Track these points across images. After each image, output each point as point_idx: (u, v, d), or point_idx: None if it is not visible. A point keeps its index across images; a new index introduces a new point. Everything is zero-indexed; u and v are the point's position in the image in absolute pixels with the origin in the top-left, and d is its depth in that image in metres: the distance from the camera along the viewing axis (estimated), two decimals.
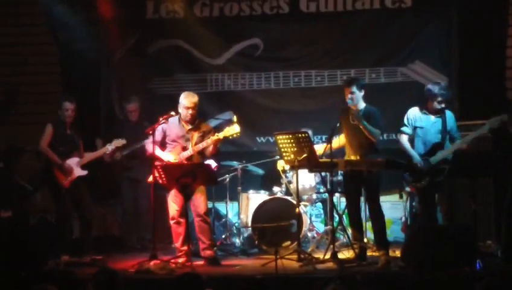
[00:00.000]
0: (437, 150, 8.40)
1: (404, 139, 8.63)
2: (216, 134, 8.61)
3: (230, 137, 8.60)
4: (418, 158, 8.41)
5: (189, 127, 8.76)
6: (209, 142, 8.59)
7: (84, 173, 9.31)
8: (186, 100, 8.69)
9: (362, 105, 8.51)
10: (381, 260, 8.26)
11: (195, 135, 8.72)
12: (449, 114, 8.55)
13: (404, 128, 8.63)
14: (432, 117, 8.52)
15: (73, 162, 9.25)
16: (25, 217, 9.90)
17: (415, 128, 8.57)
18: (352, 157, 8.41)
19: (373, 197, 8.47)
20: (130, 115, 10.37)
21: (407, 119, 8.63)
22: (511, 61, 10.31)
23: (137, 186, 10.02)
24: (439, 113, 8.49)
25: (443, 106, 8.45)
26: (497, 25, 10.25)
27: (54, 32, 11.03)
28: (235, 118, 8.87)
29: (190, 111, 8.67)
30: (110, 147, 9.45)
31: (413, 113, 8.62)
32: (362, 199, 8.70)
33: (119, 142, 9.49)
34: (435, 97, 8.41)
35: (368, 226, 9.25)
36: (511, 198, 8.09)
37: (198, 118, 8.86)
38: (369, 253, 8.73)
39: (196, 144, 8.64)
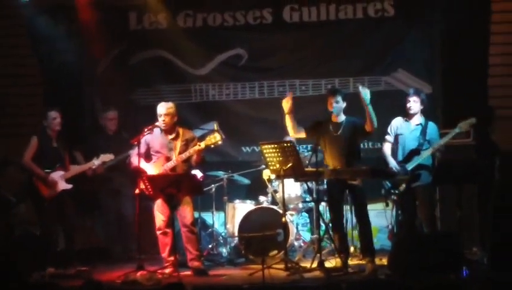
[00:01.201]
0: (414, 156, 8.52)
1: (386, 146, 8.83)
2: (198, 143, 8.60)
3: (212, 145, 8.58)
4: (394, 163, 8.59)
5: (171, 136, 8.75)
6: (191, 152, 8.58)
7: (69, 187, 9.26)
8: (159, 107, 8.72)
9: (343, 117, 8.57)
10: (367, 268, 8.30)
11: (178, 144, 8.70)
12: (431, 125, 8.69)
13: (387, 137, 8.85)
14: (412, 125, 8.71)
15: (57, 175, 9.19)
16: (9, 229, 9.83)
17: (396, 136, 8.67)
18: (338, 167, 8.44)
19: (360, 205, 8.50)
20: (109, 124, 10.32)
21: (390, 127, 8.84)
22: (493, 69, 10.37)
23: (119, 197, 9.98)
24: (420, 121, 8.63)
25: (416, 108, 8.61)
26: (480, 33, 10.30)
27: (35, 44, 10.98)
28: (216, 127, 8.86)
29: (163, 118, 8.66)
30: (96, 162, 9.41)
31: (396, 122, 8.84)
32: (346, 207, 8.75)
33: (106, 157, 9.45)
34: (408, 98, 8.64)
35: (354, 234, 9.26)
36: (495, 205, 8.13)
37: (180, 126, 8.84)
38: (355, 261, 8.75)
39: (180, 153, 8.63)
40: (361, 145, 8.90)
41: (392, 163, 8.59)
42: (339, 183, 8.46)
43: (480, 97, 10.28)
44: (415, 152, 8.55)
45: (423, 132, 8.60)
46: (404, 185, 8.44)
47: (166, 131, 8.74)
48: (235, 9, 11.04)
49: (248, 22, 11.06)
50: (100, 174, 10.04)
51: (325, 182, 9.36)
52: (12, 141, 10.40)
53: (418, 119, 8.71)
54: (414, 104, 8.66)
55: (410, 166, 8.49)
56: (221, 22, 11.10)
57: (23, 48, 11.09)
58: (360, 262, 8.61)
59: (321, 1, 10.87)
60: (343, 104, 8.54)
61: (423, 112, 8.75)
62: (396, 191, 8.52)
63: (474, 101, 10.13)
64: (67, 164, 9.41)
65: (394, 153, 8.75)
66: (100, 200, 10.36)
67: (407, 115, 8.74)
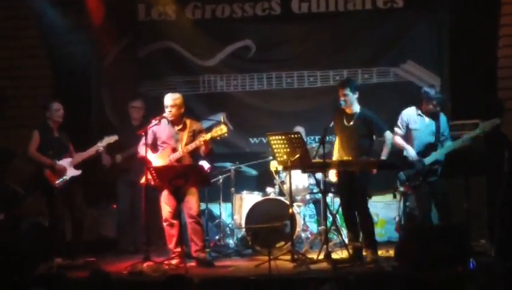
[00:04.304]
0: (431, 151, 8.48)
1: (397, 138, 8.68)
2: (203, 135, 8.59)
3: (218, 137, 8.55)
4: (413, 153, 8.48)
5: (178, 127, 8.75)
6: (197, 143, 8.57)
7: (78, 172, 9.28)
8: (166, 99, 8.71)
9: (357, 108, 8.55)
10: (368, 257, 8.39)
11: (185, 135, 8.69)
12: (443, 117, 8.61)
13: (396, 129, 8.73)
14: (426, 119, 8.61)
15: (65, 162, 9.22)
16: (16, 221, 9.85)
17: (407, 128, 8.61)
18: (345, 158, 8.42)
19: (360, 197, 8.49)
20: (134, 112, 10.31)
21: (401, 120, 8.72)
22: (502, 61, 10.30)
23: (134, 188, 9.98)
24: (434, 115, 8.55)
25: (438, 109, 8.52)
26: (489, 25, 10.24)
27: (45, 36, 10.99)
28: (223, 119, 8.85)
29: (169, 109, 8.65)
30: (101, 145, 9.41)
31: (408, 114, 8.71)
32: None
33: (110, 138, 9.45)
34: (431, 100, 8.51)
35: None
36: (504, 197, 8.10)
37: (187, 118, 8.84)
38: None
39: (187, 144, 8.62)
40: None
41: (411, 153, 8.51)
42: (347, 174, 8.44)
43: (489, 89, 10.23)
44: (432, 147, 8.49)
45: (437, 125, 8.54)
46: (421, 179, 8.39)
47: (173, 122, 8.74)
48: (244, 0, 11.01)
49: (256, 13, 11.02)
50: (119, 165, 10.08)
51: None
52: (15, 132, 10.42)
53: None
54: (434, 108, 8.58)
55: (428, 161, 8.43)
56: (229, 13, 11.08)
57: (28, 39, 11.08)
58: (365, 254, 8.59)
59: None
60: (353, 96, 8.48)
61: None
62: (412, 184, 8.48)
63: (483, 93, 10.09)
64: (72, 152, 9.41)
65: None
66: (113, 191, 10.37)
67: (424, 112, 8.65)
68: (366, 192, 8.54)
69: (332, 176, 8.79)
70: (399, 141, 8.66)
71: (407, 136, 8.69)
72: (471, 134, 8.42)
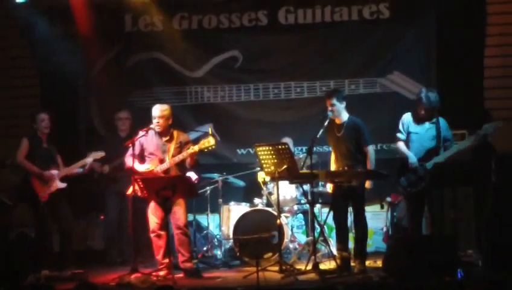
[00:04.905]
0: (432, 156, 8.42)
1: (400, 144, 8.65)
2: (192, 147, 8.59)
3: (206, 150, 8.56)
4: (415, 159, 8.43)
5: (165, 138, 8.74)
6: (185, 154, 8.57)
7: (63, 185, 9.23)
8: (154, 110, 8.71)
9: (345, 116, 8.57)
10: (356, 268, 8.39)
11: (172, 147, 8.69)
12: (442, 121, 8.58)
13: (399, 135, 8.68)
14: (427, 123, 8.56)
15: (51, 174, 9.19)
16: (4, 232, 9.81)
17: (408, 133, 8.61)
18: (340, 169, 8.43)
19: (358, 207, 8.51)
20: (120, 124, 10.29)
21: (402, 125, 8.67)
22: (489, 71, 10.37)
23: (122, 199, 9.94)
24: (432, 119, 8.52)
25: (423, 112, 8.48)
26: (475, 35, 10.30)
27: (32, 45, 10.98)
28: (210, 130, 8.85)
29: (157, 120, 8.65)
30: (88, 160, 9.39)
31: (407, 119, 8.66)
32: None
33: (97, 154, 9.43)
34: (420, 103, 8.46)
35: (350, 236, 9.26)
36: (491, 207, 8.11)
37: (174, 129, 8.84)
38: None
39: (173, 155, 8.62)
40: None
41: (413, 160, 8.45)
42: (342, 189, 8.45)
43: (476, 99, 10.28)
44: (434, 151, 8.48)
45: (437, 129, 8.53)
46: (423, 184, 8.37)
47: (161, 133, 8.73)
48: (231, 11, 11.03)
49: (243, 24, 11.05)
50: (107, 176, 10.06)
51: (319, 184, 9.38)
52: (3, 143, 10.38)
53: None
54: (426, 113, 8.56)
55: (429, 165, 8.38)
56: (216, 24, 11.09)
57: (19, 50, 11.06)
58: (353, 264, 8.59)
59: (316, 3, 10.86)
60: (341, 105, 8.51)
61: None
62: (414, 190, 8.47)
63: (470, 103, 10.13)
64: (59, 164, 9.37)
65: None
66: (102, 202, 10.34)
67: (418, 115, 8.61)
68: (364, 202, 8.56)
69: (329, 186, 8.78)
70: (402, 147, 8.61)
71: (407, 140, 8.68)
72: (475, 137, 8.35)
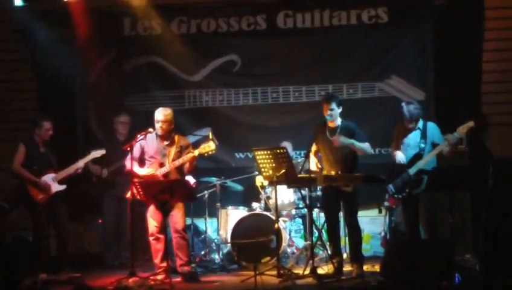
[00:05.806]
0: (416, 161, 8.47)
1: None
2: (192, 151, 8.59)
3: (206, 154, 8.58)
4: (402, 155, 8.57)
5: (166, 142, 8.75)
6: (185, 159, 8.58)
7: (62, 187, 9.21)
8: (157, 114, 8.73)
9: (339, 121, 8.59)
10: (354, 272, 8.41)
11: (172, 151, 8.71)
12: (430, 125, 8.65)
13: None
14: (414, 132, 8.66)
15: (48, 178, 9.16)
16: (1, 235, 9.79)
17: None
18: (333, 173, 8.43)
19: (352, 212, 8.51)
20: (120, 128, 10.31)
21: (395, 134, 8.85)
22: (487, 76, 10.37)
23: (120, 202, 9.94)
24: (417, 125, 8.62)
25: (410, 126, 8.60)
26: (474, 39, 10.31)
27: (29, 49, 10.98)
28: (210, 135, 8.85)
29: (160, 124, 8.68)
30: (87, 159, 9.37)
31: (398, 129, 8.82)
32: (340, 213, 8.73)
33: (97, 153, 9.41)
34: (404, 118, 8.57)
35: (346, 241, 9.26)
36: (488, 212, 8.11)
37: (175, 133, 8.85)
38: (347, 268, 8.73)
39: (174, 159, 8.63)
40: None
41: (400, 156, 8.55)
42: (334, 190, 8.46)
43: (473, 103, 10.28)
44: (418, 157, 8.52)
45: (423, 135, 8.57)
46: (407, 190, 8.41)
47: (162, 137, 8.75)
48: (229, 15, 11.02)
49: (242, 28, 11.04)
50: (106, 180, 10.07)
51: (318, 189, 9.38)
52: (5, 146, 10.36)
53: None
54: (408, 123, 8.65)
55: (412, 171, 8.45)
56: (215, 28, 11.09)
57: (17, 53, 11.06)
58: (350, 269, 8.60)
59: (315, 7, 10.86)
60: (338, 110, 8.56)
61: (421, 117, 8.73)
62: (400, 196, 8.50)
63: (467, 108, 10.14)
64: (56, 167, 9.36)
65: None
66: (99, 205, 10.35)
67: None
68: (357, 205, 8.57)
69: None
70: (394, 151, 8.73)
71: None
72: (449, 138, 8.41)
